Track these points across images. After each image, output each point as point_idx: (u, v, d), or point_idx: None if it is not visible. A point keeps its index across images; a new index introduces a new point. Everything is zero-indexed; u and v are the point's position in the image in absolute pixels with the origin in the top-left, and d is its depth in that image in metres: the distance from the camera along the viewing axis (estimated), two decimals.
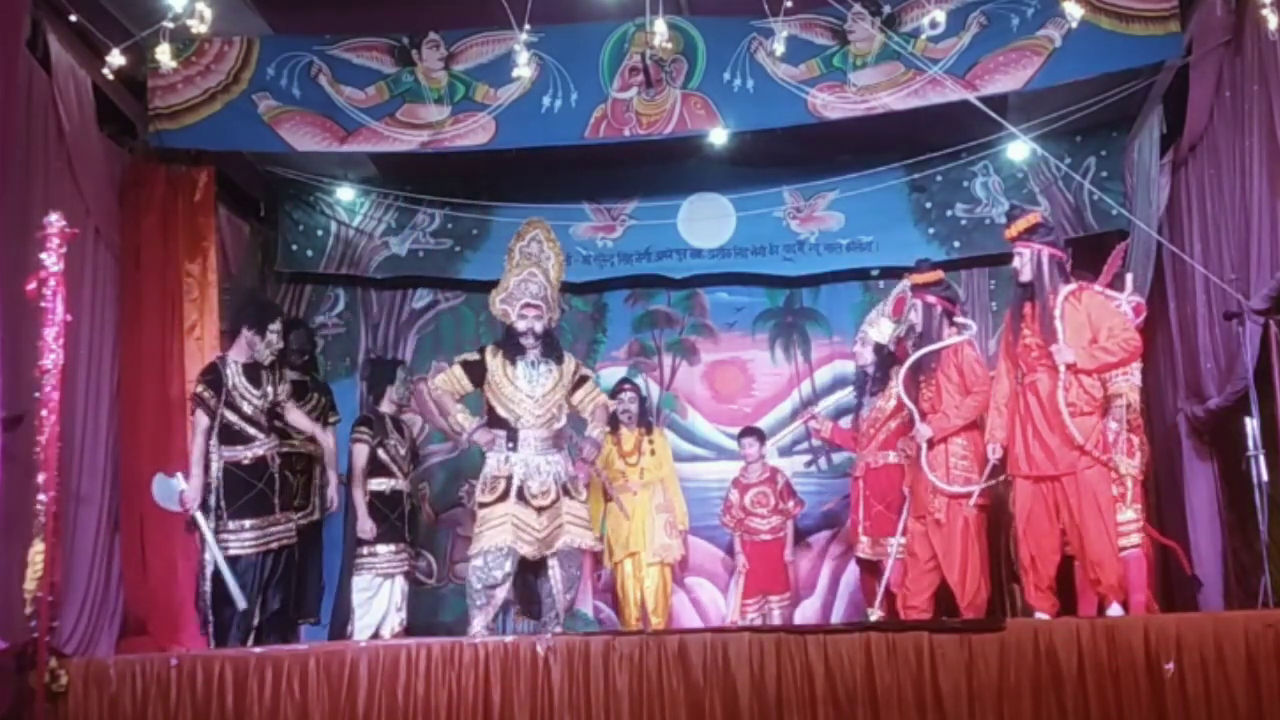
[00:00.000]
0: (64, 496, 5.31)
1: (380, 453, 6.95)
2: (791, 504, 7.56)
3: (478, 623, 6.01)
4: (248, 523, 6.09)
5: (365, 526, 6.79)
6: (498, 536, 5.94)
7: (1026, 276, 5.63)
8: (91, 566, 6.25)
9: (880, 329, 6.81)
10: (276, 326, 6.38)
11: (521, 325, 6.16)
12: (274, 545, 6.19)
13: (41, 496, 4.88)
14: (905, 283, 6.61)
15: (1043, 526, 5.51)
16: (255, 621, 6.14)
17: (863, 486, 6.73)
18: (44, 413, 4.89)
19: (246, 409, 6.20)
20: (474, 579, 6.00)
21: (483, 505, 6.10)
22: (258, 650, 5.09)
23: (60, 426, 4.96)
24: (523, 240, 6.39)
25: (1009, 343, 5.76)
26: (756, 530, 7.51)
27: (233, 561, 6.02)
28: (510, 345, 6.20)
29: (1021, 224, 5.69)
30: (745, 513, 7.54)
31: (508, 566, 5.96)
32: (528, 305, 6.16)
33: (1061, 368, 5.42)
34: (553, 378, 6.18)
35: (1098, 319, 5.52)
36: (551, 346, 6.26)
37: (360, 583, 6.86)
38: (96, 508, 6.33)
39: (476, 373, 6.20)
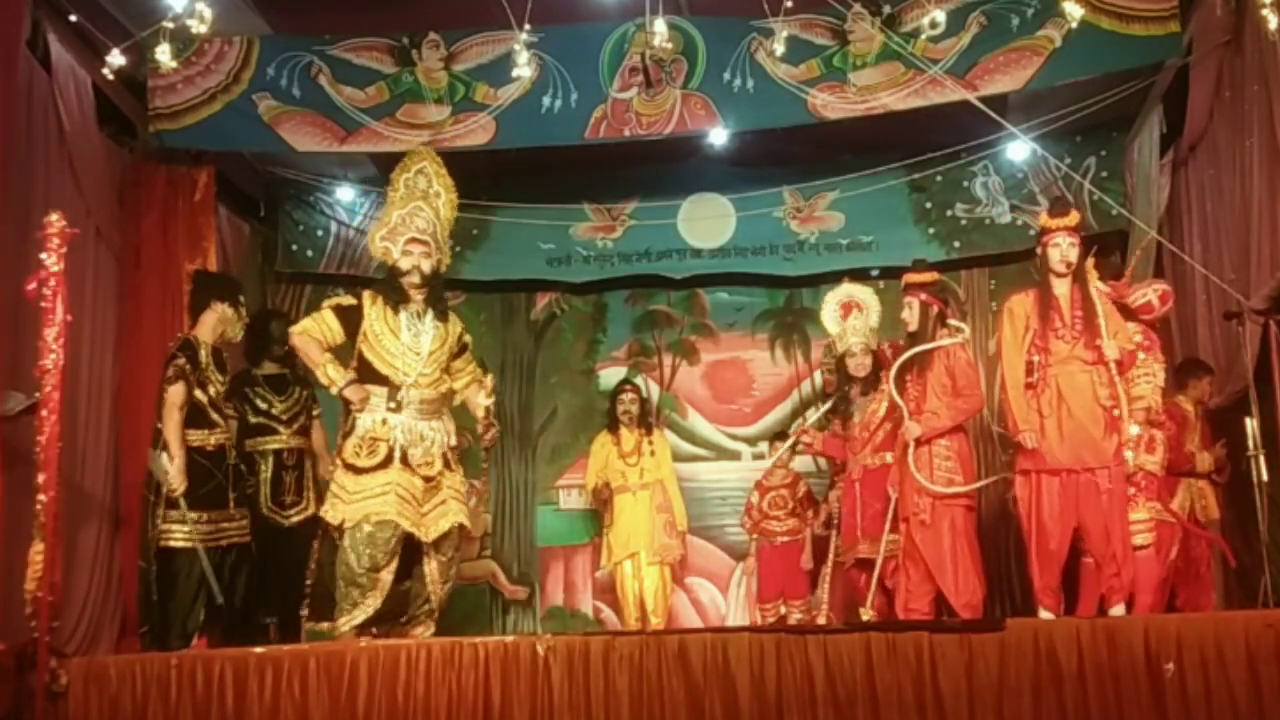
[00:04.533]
0: (64, 496, 5.29)
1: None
2: (810, 514, 7.49)
3: (345, 621, 5.26)
4: (194, 515, 5.68)
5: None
6: (381, 506, 5.21)
7: (1073, 262, 5.49)
8: (92, 566, 6.25)
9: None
10: (244, 299, 6.22)
11: (405, 263, 5.45)
12: (223, 542, 5.80)
13: (41, 496, 4.87)
14: (844, 286, 6.85)
15: (1062, 524, 5.46)
16: (200, 619, 5.75)
17: (859, 489, 6.70)
18: (44, 413, 4.89)
19: (212, 392, 5.90)
20: (353, 560, 5.23)
21: (358, 470, 5.28)
22: (258, 650, 5.06)
23: (60, 427, 4.96)
24: (408, 172, 5.66)
25: (1038, 331, 5.51)
26: (773, 533, 7.48)
27: (170, 554, 5.65)
28: (392, 291, 5.48)
29: (1077, 215, 5.66)
30: (762, 515, 7.53)
31: (393, 544, 5.26)
32: (413, 240, 5.47)
33: (1112, 364, 5.35)
34: (439, 334, 5.51)
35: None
36: (438, 297, 5.56)
37: None
38: (96, 508, 6.33)
39: (351, 320, 5.46)
